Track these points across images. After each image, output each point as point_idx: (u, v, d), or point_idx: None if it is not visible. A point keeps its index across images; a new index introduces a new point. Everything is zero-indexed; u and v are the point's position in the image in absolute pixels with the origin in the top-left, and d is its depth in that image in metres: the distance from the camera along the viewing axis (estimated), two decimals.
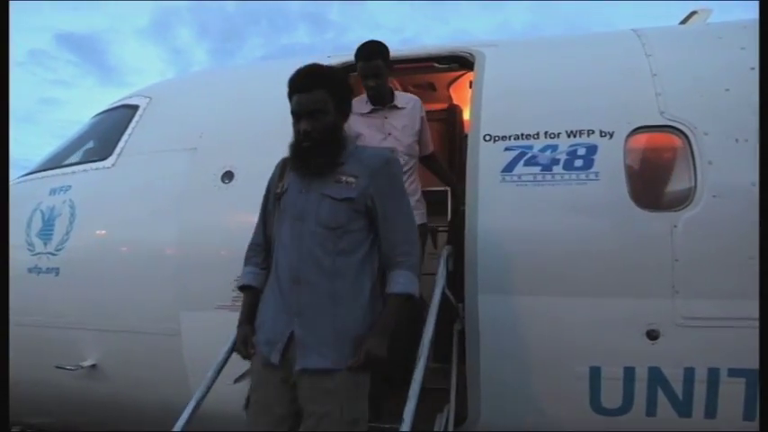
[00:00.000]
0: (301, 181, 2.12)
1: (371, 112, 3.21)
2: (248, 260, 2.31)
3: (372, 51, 3.10)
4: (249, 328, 2.17)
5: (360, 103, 3.24)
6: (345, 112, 2.19)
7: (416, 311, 2.78)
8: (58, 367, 3.46)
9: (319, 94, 2.05)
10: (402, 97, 3.31)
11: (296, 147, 2.13)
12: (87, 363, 3.45)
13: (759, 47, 2.67)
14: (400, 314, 2.09)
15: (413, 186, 3.19)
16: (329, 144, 2.09)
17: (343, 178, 2.07)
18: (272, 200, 2.24)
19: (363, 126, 3.20)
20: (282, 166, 2.27)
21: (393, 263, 2.09)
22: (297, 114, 2.08)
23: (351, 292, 2.04)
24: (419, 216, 3.10)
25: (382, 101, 3.22)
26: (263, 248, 2.29)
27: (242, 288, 2.29)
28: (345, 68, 3.49)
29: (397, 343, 2.12)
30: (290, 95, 2.11)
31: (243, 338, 2.17)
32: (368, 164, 2.10)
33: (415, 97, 3.37)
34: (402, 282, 2.06)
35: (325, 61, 3.62)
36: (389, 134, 3.18)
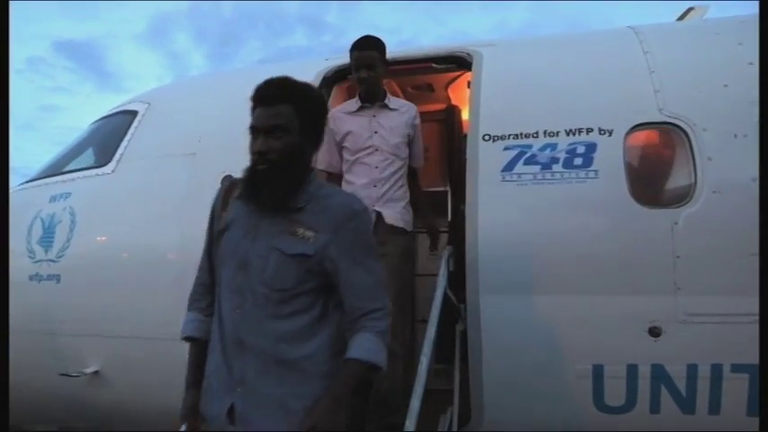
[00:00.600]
0: (248, 219, 1.75)
1: (359, 109, 3.17)
2: (191, 304, 1.93)
3: (367, 42, 3.08)
4: (196, 393, 1.80)
5: (349, 103, 3.24)
6: (315, 137, 1.80)
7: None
8: (61, 374, 3.45)
9: (283, 108, 1.70)
10: (396, 101, 3.28)
11: (249, 171, 1.75)
12: (90, 369, 3.44)
13: (759, 44, 2.67)
14: (358, 383, 1.70)
15: (400, 192, 3.13)
16: (289, 171, 1.71)
17: (300, 230, 1.69)
18: (216, 234, 1.84)
19: (350, 124, 3.16)
20: (227, 190, 1.88)
21: (358, 327, 1.70)
22: (255, 130, 1.73)
23: (302, 358, 1.67)
24: (405, 224, 3.09)
25: (373, 98, 3.17)
26: (208, 290, 1.89)
27: (186, 339, 1.92)
28: (343, 71, 3.50)
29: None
30: (253, 109, 1.77)
31: (190, 407, 1.81)
32: (331, 215, 1.71)
33: (412, 104, 3.31)
34: (366, 347, 1.67)
35: (323, 64, 3.64)
36: (375, 132, 3.12)
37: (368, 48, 3.06)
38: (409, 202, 3.20)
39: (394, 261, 2.93)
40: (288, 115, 1.70)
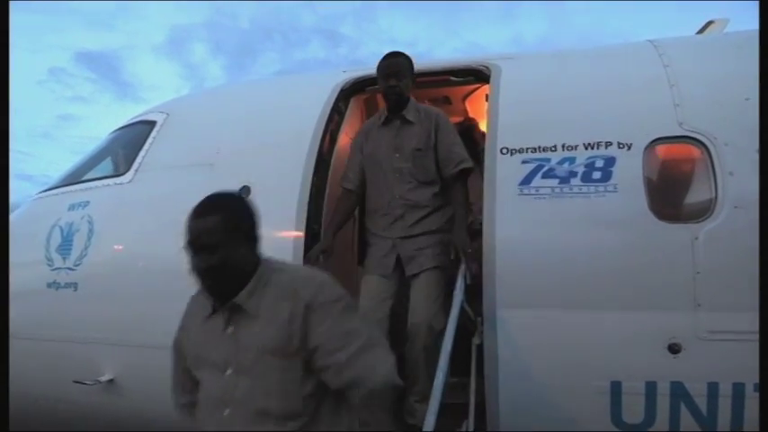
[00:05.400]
0: None
1: None
2: None
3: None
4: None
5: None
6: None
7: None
8: (76, 382, 3.46)
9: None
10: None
11: None
12: (105, 377, 3.45)
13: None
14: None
15: None
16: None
17: None
18: None
19: None
20: None
21: None
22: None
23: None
24: None
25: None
26: None
27: None
28: (363, 82, 3.52)
29: None
30: None
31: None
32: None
33: None
34: None
35: (340, 76, 3.66)
36: None
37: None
38: None
39: None
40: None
